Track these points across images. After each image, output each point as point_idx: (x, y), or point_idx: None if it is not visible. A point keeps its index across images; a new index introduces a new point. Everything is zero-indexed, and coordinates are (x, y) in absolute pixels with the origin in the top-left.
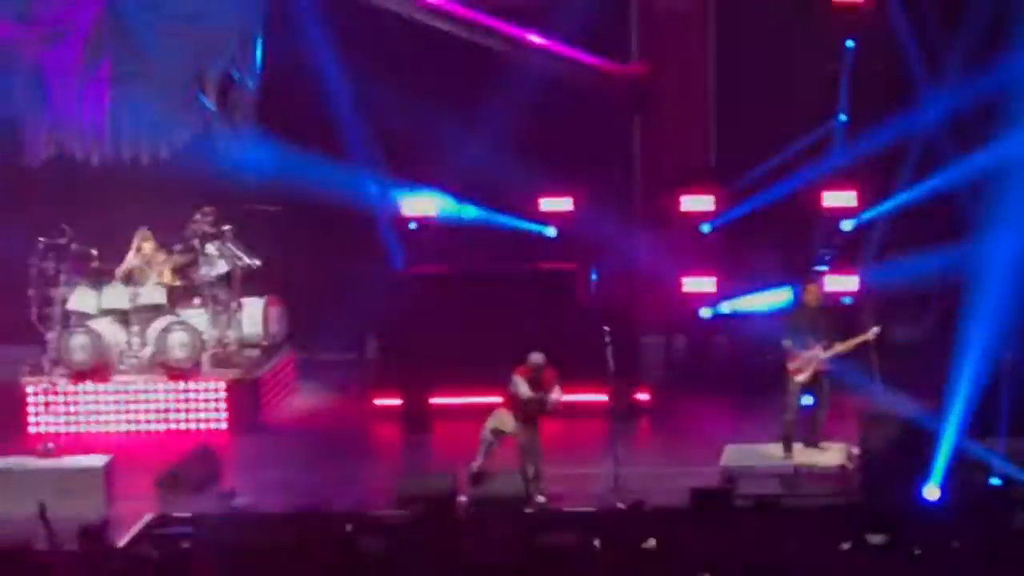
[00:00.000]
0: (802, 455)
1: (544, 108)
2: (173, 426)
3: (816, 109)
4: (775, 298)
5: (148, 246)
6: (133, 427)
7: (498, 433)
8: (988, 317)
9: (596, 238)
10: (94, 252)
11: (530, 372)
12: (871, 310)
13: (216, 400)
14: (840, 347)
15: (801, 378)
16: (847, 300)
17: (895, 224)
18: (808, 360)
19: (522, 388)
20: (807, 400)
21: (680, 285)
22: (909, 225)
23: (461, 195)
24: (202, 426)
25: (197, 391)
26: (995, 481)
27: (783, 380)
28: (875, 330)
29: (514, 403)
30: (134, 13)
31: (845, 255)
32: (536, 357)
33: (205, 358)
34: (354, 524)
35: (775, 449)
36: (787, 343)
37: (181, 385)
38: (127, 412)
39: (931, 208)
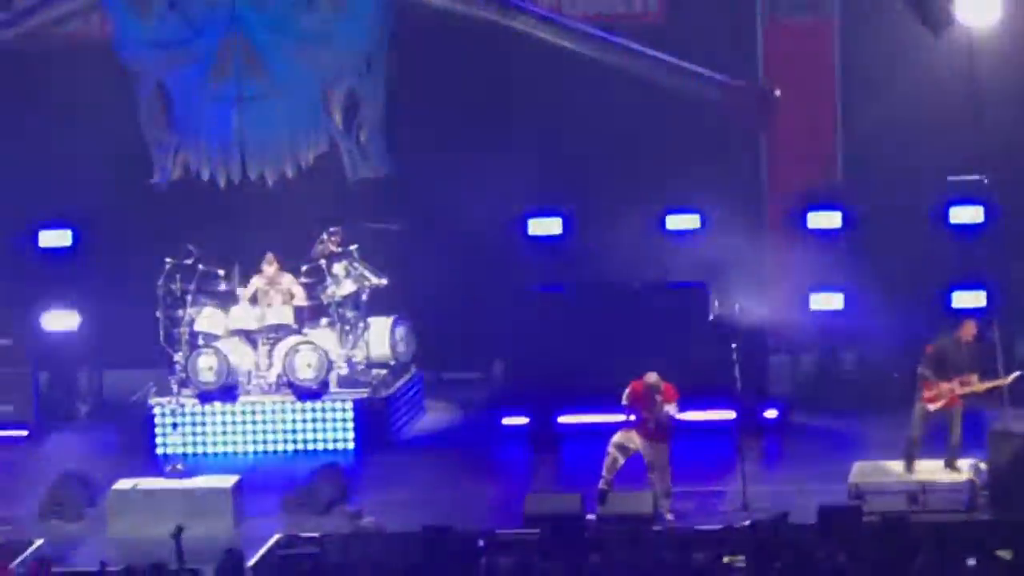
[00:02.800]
0: (929, 472)
1: (672, 125)
2: (300, 446)
3: (943, 123)
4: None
5: (274, 267)
6: (261, 447)
7: (624, 449)
8: None
9: (724, 255)
10: (221, 272)
11: (645, 390)
12: (996, 325)
13: (343, 420)
14: (976, 386)
15: (933, 407)
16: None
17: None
18: (944, 392)
19: (626, 397)
20: None
21: (808, 302)
22: None
23: (588, 212)
24: (329, 446)
25: (324, 411)
26: None
27: (913, 400)
28: (1016, 375)
29: (641, 420)
30: (261, 34)
31: (972, 269)
32: (651, 377)
33: (332, 377)
34: (482, 544)
35: (901, 466)
36: (926, 371)
37: (308, 405)
38: (254, 432)
39: None
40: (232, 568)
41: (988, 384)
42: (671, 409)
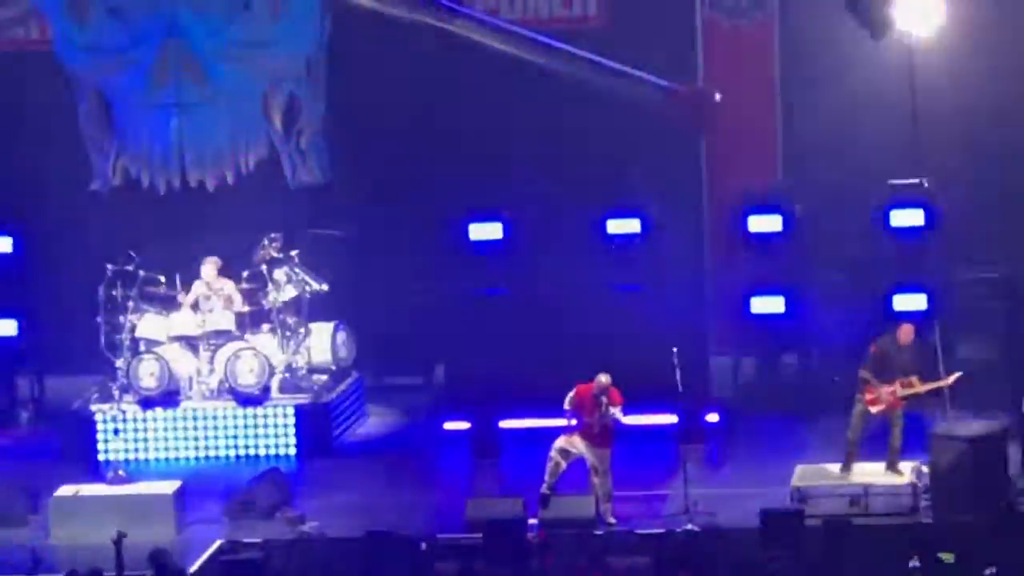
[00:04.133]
0: (871, 475)
1: (612, 129)
2: (242, 452)
3: (884, 125)
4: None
5: (214, 273)
6: (202, 453)
7: (566, 454)
8: None
9: (663, 259)
10: (162, 279)
11: (593, 391)
12: (939, 328)
13: (285, 425)
14: (917, 387)
15: (875, 410)
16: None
17: (962, 239)
18: (885, 395)
19: (569, 401)
20: None
21: (749, 305)
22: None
23: (528, 218)
24: (271, 451)
25: (266, 417)
26: None
27: (852, 403)
28: (956, 375)
29: (584, 425)
30: (200, 40)
31: (913, 273)
32: (603, 378)
33: (274, 383)
34: (424, 549)
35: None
36: (867, 375)
37: (250, 411)
38: (196, 438)
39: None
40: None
41: (929, 385)
42: (616, 413)
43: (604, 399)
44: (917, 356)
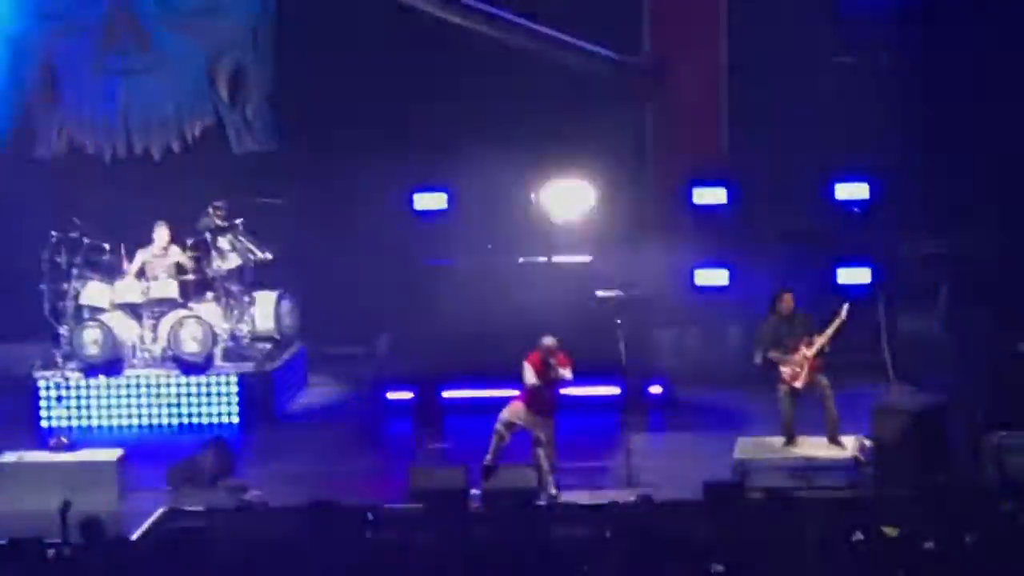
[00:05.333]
0: (814, 448)
1: (556, 100)
2: (185, 420)
3: (829, 98)
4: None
5: (162, 240)
6: (146, 421)
7: (510, 426)
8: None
9: (608, 230)
10: (106, 246)
11: (542, 355)
12: (883, 302)
13: (228, 394)
14: (821, 339)
15: (799, 383)
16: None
17: (906, 214)
18: (799, 363)
19: (528, 376)
20: None
21: (693, 277)
22: (920, 214)
23: (472, 188)
24: (214, 420)
25: (209, 385)
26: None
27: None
28: (845, 308)
29: (528, 395)
30: (147, 8)
31: (857, 246)
32: (548, 340)
33: (217, 352)
34: (367, 518)
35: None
36: (774, 355)
37: (193, 379)
38: (140, 406)
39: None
40: (95, 535)
41: (829, 330)
42: (566, 374)
43: (553, 361)
44: (806, 321)
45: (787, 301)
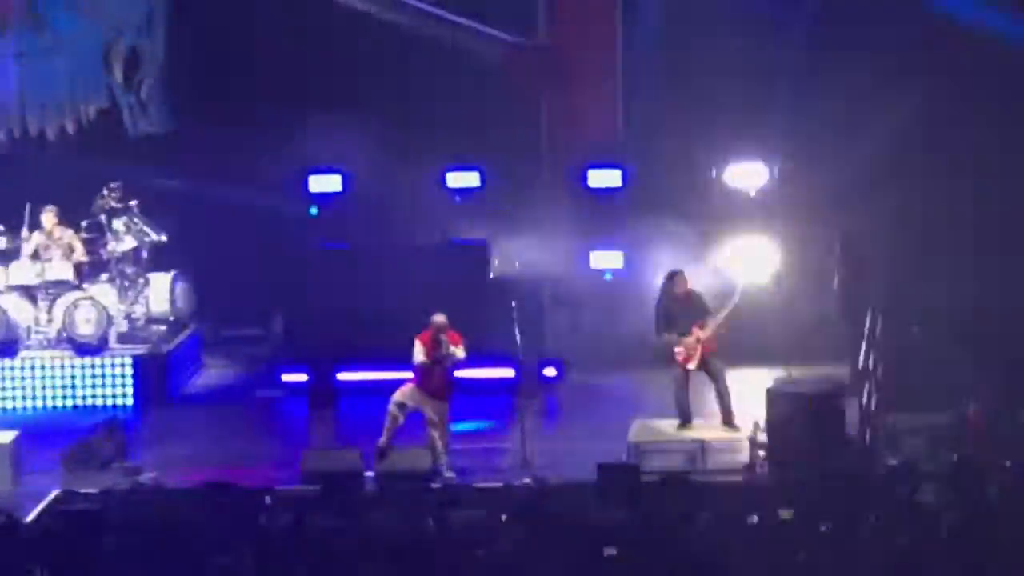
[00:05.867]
0: (709, 430)
1: (453, 83)
2: (80, 401)
3: (725, 81)
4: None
5: (54, 222)
6: (40, 403)
7: (404, 408)
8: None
9: (503, 212)
10: (0, 228)
11: (432, 333)
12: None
13: (123, 376)
14: (714, 321)
15: (692, 365)
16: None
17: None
18: (692, 346)
19: (418, 355)
20: None
21: (588, 259)
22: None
23: (367, 170)
24: (109, 401)
25: (104, 367)
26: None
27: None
28: (738, 290)
29: (421, 377)
30: None
31: (752, 229)
32: (438, 317)
33: (112, 333)
34: (261, 499)
35: (679, 425)
36: (668, 336)
37: (88, 360)
38: (34, 388)
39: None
40: None
41: (723, 312)
42: (458, 352)
43: (443, 338)
44: (699, 302)
45: (680, 282)
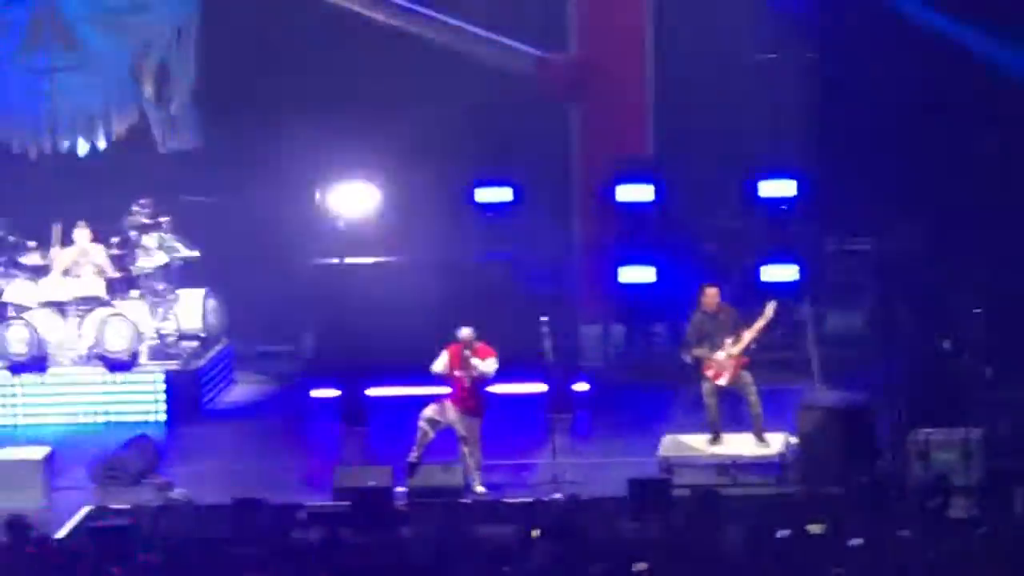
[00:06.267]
0: (739, 445)
1: (481, 97)
2: (111, 418)
3: (755, 96)
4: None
5: (88, 237)
6: (71, 419)
7: (435, 424)
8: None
9: (534, 228)
10: (32, 244)
11: (461, 347)
12: (809, 300)
13: (154, 391)
14: (746, 336)
15: (723, 381)
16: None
17: (831, 211)
18: (723, 362)
19: (436, 364)
20: None
21: (618, 275)
22: (847, 212)
23: (398, 186)
24: (140, 418)
25: (135, 383)
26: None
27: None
28: (771, 305)
29: (455, 392)
30: (72, 6)
31: (782, 244)
32: (464, 331)
33: (143, 350)
34: (292, 516)
35: (710, 440)
36: (699, 351)
37: (119, 376)
38: (65, 404)
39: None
40: (20, 534)
41: (755, 327)
42: (487, 366)
43: (468, 352)
44: (731, 317)
45: (710, 296)
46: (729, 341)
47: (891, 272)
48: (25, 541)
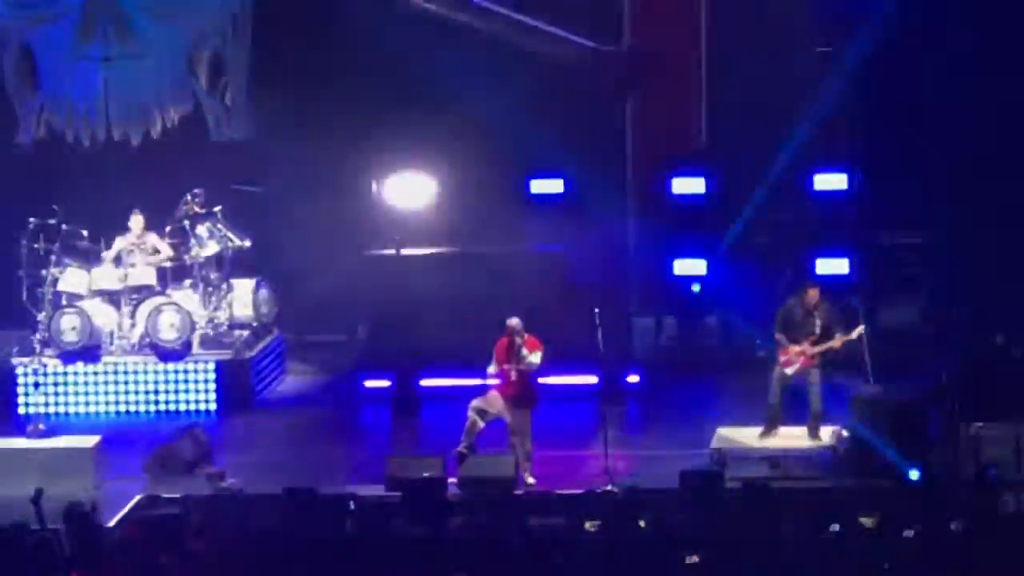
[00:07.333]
0: (791, 438)
1: (535, 89)
2: (163, 407)
3: (808, 89)
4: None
5: (139, 226)
6: (123, 408)
7: (484, 414)
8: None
9: (588, 220)
10: (85, 232)
11: (510, 338)
12: (860, 295)
13: (206, 381)
14: (826, 344)
15: (790, 371)
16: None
17: (885, 205)
18: (798, 354)
19: (490, 368)
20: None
21: (671, 267)
22: (898, 206)
23: (452, 177)
24: (192, 407)
25: (187, 372)
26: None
27: (771, 365)
28: (860, 329)
29: (504, 383)
30: None
31: (835, 237)
32: (513, 321)
33: (195, 339)
34: (344, 506)
35: (762, 432)
36: (780, 336)
37: (171, 366)
38: (117, 393)
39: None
40: (79, 522)
41: (838, 340)
42: (535, 359)
43: (519, 341)
44: (826, 316)
45: (812, 295)
46: (809, 340)
47: (944, 266)
48: (84, 529)
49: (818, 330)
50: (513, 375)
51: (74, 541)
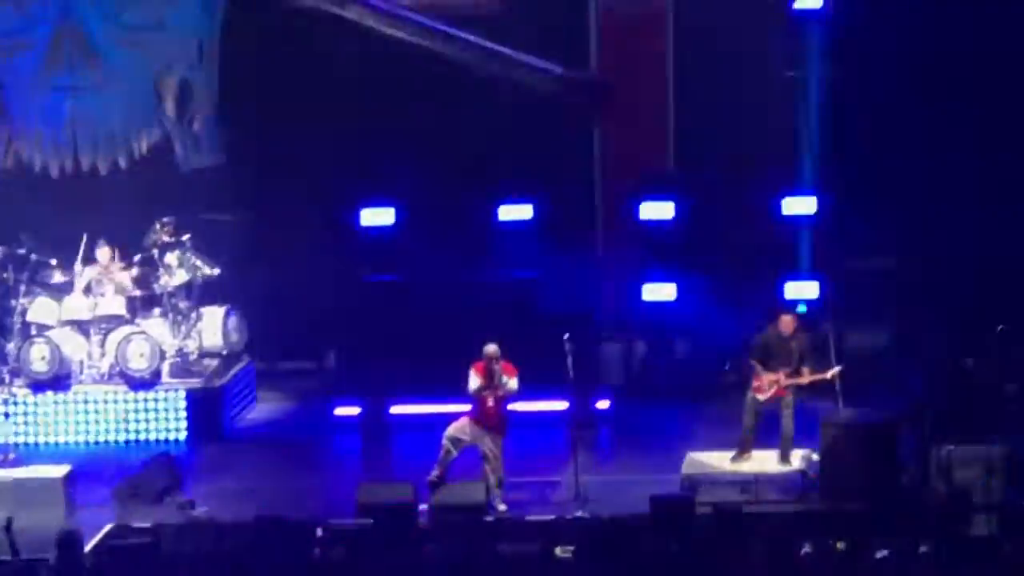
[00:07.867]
0: (762, 462)
1: (503, 116)
2: (133, 436)
3: (775, 114)
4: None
5: (105, 257)
6: (93, 437)
7: (457, 442)
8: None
9: (556, 246)
10: (53, 262)
11: (486, 364)
12: (831, 320)
13: (176, 410)
14: (799, 379)
15: (762, 397)
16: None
17: (853, 229)
18: (771, 383)
19: (473, 382)
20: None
21: (640, 292)
22: (867, 229)
23: (420, 204)
24: (162, 435)
25: (157, 401)
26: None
27: (743, 390)
28: (836, 370)
29: (478, 410)
30: (94, 24)
31: (805, 262)
32: (490, 347)
33: (165, 368)
34: (314, 533)
35: (733, 456)
36: (755, 363)
37: (141, 395)
38: (87, 422)
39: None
40: (70, 549)
41: (812, 377)
42: (513, 384)
43: (497, 368)
44: (803, 345)
45: (786, 323)
46: (785, 372)
47: (913, 290)
48: (77, 557)
49: (795, 361)
50: (490, 401)
51: (65, 570)
